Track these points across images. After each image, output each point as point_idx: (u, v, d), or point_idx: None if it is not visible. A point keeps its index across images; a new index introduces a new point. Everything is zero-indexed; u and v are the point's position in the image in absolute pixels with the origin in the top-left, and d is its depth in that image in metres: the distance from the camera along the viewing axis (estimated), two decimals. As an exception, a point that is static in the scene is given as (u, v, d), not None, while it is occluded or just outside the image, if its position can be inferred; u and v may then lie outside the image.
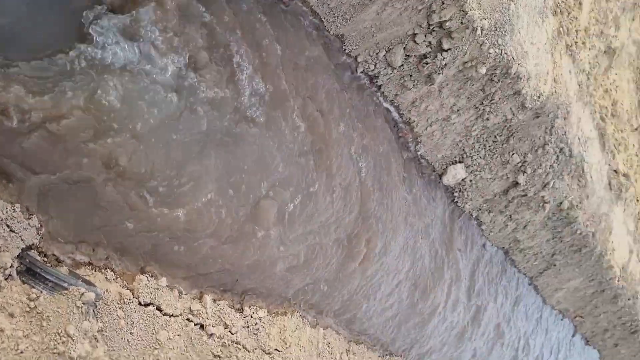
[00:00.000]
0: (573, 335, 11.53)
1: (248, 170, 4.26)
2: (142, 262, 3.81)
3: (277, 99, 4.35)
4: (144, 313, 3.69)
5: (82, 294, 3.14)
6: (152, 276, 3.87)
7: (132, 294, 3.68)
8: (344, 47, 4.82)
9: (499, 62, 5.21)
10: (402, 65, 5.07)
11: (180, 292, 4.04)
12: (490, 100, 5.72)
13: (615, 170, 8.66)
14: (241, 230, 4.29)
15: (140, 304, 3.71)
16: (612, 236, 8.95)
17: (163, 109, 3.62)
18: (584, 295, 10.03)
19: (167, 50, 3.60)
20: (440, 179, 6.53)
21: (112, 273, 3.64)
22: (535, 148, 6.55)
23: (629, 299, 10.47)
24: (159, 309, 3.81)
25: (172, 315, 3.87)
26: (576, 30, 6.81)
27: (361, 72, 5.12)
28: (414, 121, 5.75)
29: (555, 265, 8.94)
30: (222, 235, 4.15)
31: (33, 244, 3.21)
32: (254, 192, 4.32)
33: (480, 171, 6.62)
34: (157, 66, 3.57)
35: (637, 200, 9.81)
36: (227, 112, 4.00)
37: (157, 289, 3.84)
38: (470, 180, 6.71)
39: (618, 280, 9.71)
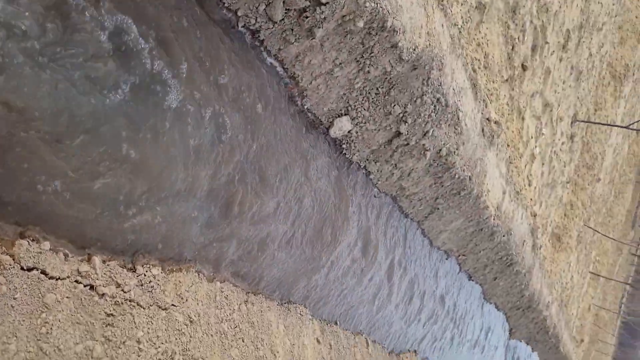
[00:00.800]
0: (458, 272, 12.59)
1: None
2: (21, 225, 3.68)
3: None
4: (28, 278, 3.60)
5: (-46, 260, 3.01)
6: (33, 240, 3.75)
7: (13, 260, 3.56)
8: (222, 0, 4.79)
9: (375, 15, 5.44)
10: (282, 19, 5.14)
11: (66, 255, 3.96)
12: (370, 54, 5.98)
13: (487, 119, 9.42)
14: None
15: (22, 268, 3.60)
16: (487, 179, 9.79)
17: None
18: (465, 235, 10.96)
19: None
20: (328, 131, 6.77)
21: (-12, 240, 3.49)
22: (414, 99, 6.95)
23: (503, 236, 11.57)
24: (43, 272, 3.72)
25: (58, 278, 3.79)
26: (447, -14, 7.22)
27: (242, 27, 5.14)
28: (299, 75, 5.89)
29: (438, 208, 9.67)
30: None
31: None
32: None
33: (365, 123, 6.93)
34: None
35: (508, 146, 10.76)
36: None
37: (40, 252, 3.74)
38: (356, 132, 7.02)
39: (493, 219, 10.69)
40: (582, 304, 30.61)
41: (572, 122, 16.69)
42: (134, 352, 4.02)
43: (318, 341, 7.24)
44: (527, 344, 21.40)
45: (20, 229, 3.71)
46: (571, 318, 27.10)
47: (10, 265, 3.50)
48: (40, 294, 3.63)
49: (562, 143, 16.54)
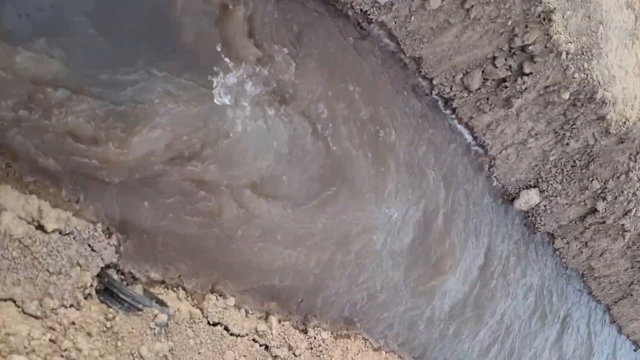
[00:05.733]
0: (648, 368, 10.85)
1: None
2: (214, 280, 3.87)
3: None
4: (212, 333, 3.75)
5: (156, 315, 3.22)
6: (221, 295, 3.92)
7: (202, 314, 3.75)
8: (420, 69, 4.72)
9: (584, 87, 4.95)
10: (479, 88, 4.92)
11: (247, 312, 4.08)
12: (572, 125, 5.45)
13: None
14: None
15: (209, 323, 3.77)
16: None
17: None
18: (663, 328, 9.41)
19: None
20: (512, 203, 6.29)
21: (184, 292, 3.72)
22: (618, 174, 6.18)
23: None
24: (226, 328, 3.86)
25: (238, 335, 3.91)
26: (668, 51, 6.38)
27: (436, 95, 5.01)
28: (489, 144, 5.57)
29: (632, 295, 8.44)
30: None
31: (112, 263, 3.32)
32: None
33: (556, 196, 6.32)
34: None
35: None
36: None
37: (226, 308, 3.90)
38: (545, 206, 6.42)
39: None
40: None
41: None
42: (299, 422, 3.96)
43: None
44: None
45: (213, 282, 3.91)
46: None
47: (199, 319, 3.68)
48: (221, 350, 3.75)
49: None
